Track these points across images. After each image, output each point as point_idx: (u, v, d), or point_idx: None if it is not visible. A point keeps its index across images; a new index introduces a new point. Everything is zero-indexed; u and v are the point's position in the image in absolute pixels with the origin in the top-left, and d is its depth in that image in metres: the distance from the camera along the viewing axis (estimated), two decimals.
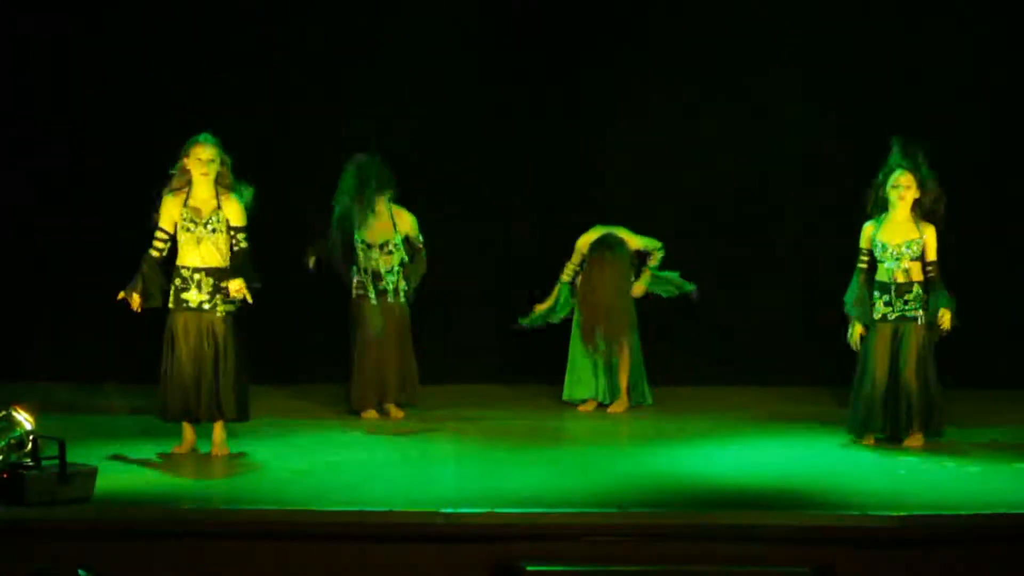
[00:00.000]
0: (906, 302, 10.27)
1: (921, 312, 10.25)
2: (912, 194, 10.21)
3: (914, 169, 10.23)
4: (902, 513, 8.50)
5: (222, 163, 9.92)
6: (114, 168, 11.90)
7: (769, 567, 8.31)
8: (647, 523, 8.45)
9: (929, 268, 10.25)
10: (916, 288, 10.27)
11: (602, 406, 11.71)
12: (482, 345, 12.48)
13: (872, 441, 10.36)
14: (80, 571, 7.48)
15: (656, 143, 12.33)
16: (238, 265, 9.90)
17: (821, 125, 12.22)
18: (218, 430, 10.03)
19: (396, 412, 11.36)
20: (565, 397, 11.75)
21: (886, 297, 10.27)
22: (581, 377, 11.73)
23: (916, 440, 10.30)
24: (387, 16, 12.36)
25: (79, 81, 12.17)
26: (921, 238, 10.23)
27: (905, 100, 12.13)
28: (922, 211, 10.27)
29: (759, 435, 10.69)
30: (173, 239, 9.96)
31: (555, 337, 11.88)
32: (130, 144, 11.63)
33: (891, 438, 10.34)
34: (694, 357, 12.31)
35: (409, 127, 12.21)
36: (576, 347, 11.73)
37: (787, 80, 12.32)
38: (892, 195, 10.23)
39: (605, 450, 10.31)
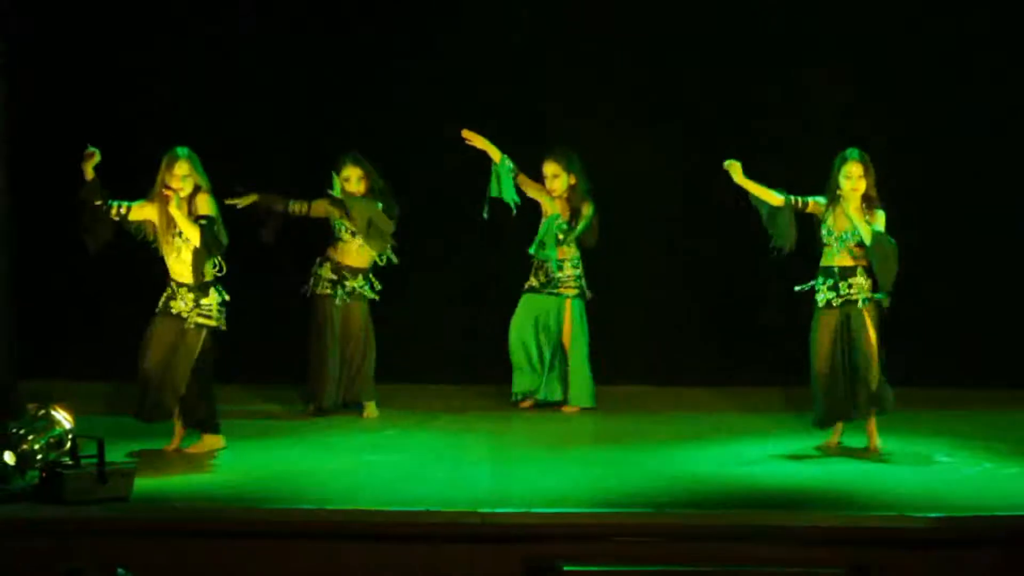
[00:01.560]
0: (850, 286, 10.22)
1: (866, 294, 10.21)
2: (863, 183, 10.19)
3: (864, 159, 10.20)
4: (939, 514, 8.49)
5: (197, 180, 10.03)
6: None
7: (804, 568, 8.29)
8: (682, 523, 8.46)
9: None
10: (860, 271, 10.22)
11: (544, 404, 11.68)
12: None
13: (836, 441, 10.33)
14: (119, 570, 7.53)
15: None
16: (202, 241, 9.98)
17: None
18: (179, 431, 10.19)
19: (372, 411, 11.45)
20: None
21: (830, 282, 10.24)
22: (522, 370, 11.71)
23: (872, 425, 10.30)
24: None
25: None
26: (868, 223, 10.18)
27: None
28: (868, 201, 10.23)
29: (792, 434, 10.65)
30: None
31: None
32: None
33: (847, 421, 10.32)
34: (723, 358, 12.29)
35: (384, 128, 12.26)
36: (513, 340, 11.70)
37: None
38: (845, 185, 10.21)
39: (640, 450, 10.29)
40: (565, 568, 8.15)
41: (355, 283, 11.39)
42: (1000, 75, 12.33)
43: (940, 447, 10.37)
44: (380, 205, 11.27)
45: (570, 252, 11.63)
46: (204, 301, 10.07)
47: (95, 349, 11.67)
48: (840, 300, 10.24)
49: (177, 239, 10.04)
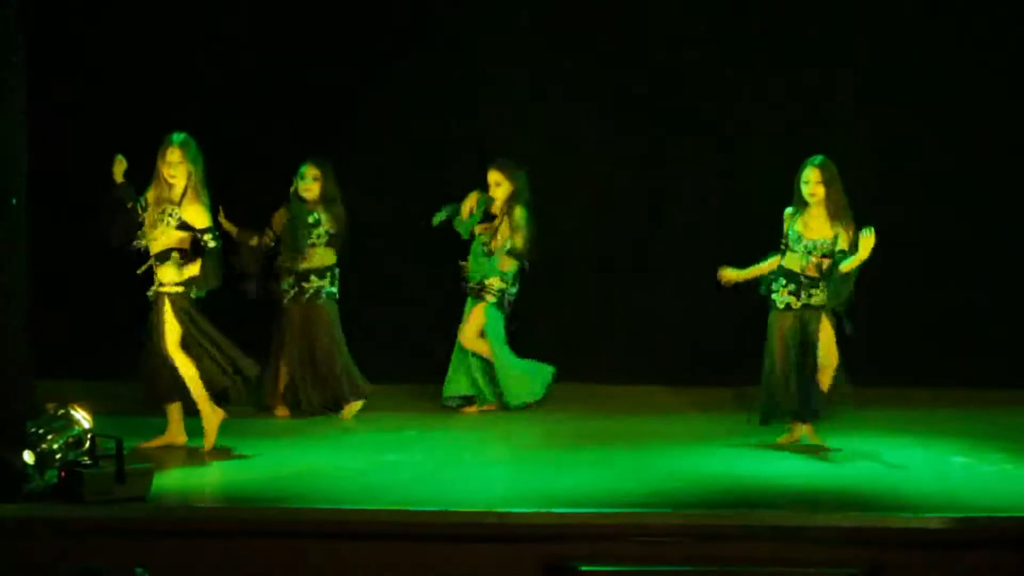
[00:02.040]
0: (811, 295, 10.24)
1: (825, 302, 10.22)
2: (821, 190, 10.18)
3: (823, 167, 10.19)
4: (955, 514, 8.49)
5: (189, 168, 10.05)
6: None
7: (820, 568, 8.29)
8: (700, 523, 8.46)
9: (838, 255, 10.16)
10: (822, 284, 10.22)
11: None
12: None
13: (797, 437, 10.38)
14: (137, 570, 7.54)
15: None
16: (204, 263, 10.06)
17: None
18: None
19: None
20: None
21: (792, 286, 10.26)
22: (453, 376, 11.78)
23: (807, 429, 10.35)
24: None
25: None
26: (834, 238, 10.19)
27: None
28: (834, 212, 10.22)
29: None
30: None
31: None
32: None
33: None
34: (737, 357, 12.28)
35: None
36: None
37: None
38: (804, 190, 10.23)
39: (657, 450, 10.29)
40: (582, 568, 8.17)
41: (317, 283, 11.44)
42: (1001, 75, 12.34)
43: (956, 448, 10.36)
44: (315, 216, 11.34)
45: (510, 265, 11.67)
46: (164, 268, 10.07)
47: (112, 348, 11.68)
48: (799, 304, 10.26)
49: (164, 220, 10.05)
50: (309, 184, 11.45)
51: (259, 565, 8.36)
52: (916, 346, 12.34)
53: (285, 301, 11.48)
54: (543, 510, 8.54)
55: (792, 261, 10.28)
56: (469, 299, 11.79)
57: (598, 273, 12.65)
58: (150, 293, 10.12)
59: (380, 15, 12.43)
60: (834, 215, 10.19)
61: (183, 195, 10.06)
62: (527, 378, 11.73)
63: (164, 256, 10.06)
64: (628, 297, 12.62)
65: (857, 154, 11.58)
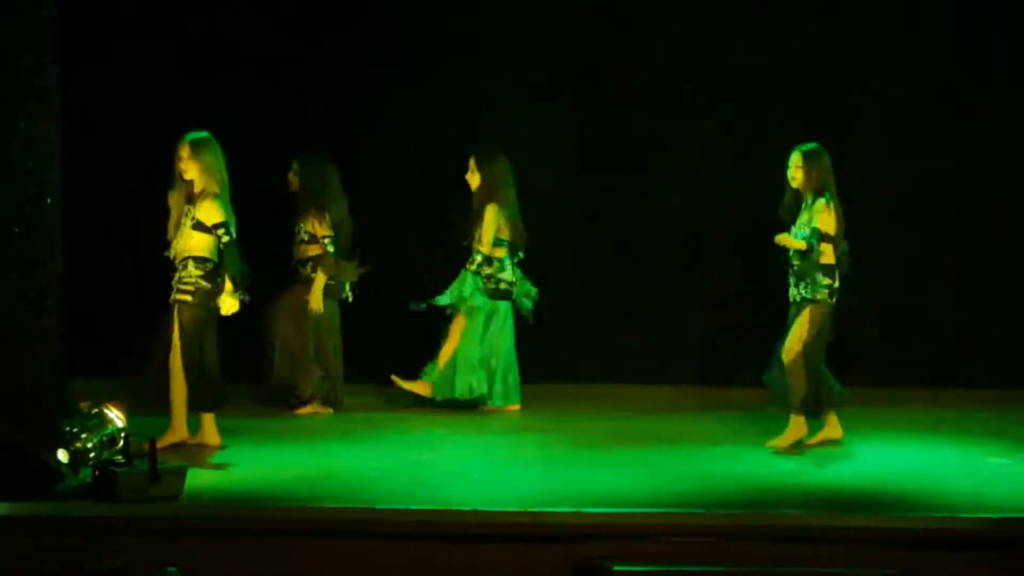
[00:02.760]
0: (806, 285, 10.23)
1: (813, 293, 10.20)
2: (800, 175, 10.20)
3: (805, 153, 10.21)
4: (990, 515, 8.46)
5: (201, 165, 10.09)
6: None
7: (855, 569, 8.25)
8: (732, 523, 8.44)
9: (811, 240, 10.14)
10: (814, 274, 10.19)
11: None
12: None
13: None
14: (169, 569, 7.56)
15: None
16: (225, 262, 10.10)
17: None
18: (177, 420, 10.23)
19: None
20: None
21: (792, 279, 10.30)
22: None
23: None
24: None
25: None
26: (809, 220, 10.19)
27: None
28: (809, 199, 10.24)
29: (845, 437, 10.58)
30: None
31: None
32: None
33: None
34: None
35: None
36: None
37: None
38: (787, 174, 10.28)
39: (689, 450, 10.29)
40: (615, 568, 8.14)
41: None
42: (1003, 74, 12.29)
43: (991, 448, 10.31)
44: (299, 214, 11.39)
45: (500, 252, 11.64)
46: (183, 275, 10.09)
47: (145, 347, 11.73)
48: (799, 297, 10.27)
49: (185, 222, 10.10)
50: (290, 179, 11.49)
51: (289, 564, 8.34)
52: (950, 348, 12.31)
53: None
54: (575, 510, 8.53)
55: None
56: None
57: (626, 272, 12.64)
58: (171, 301, 10.16)
59: (381, 15, 12.46)
60: (812, 202, 10.19)
61: (198, 194, 10.09)
62: (472, 376, 11.63)
63: (184, 263, 10.10)
64: (657, 297, 12.60)
65: (869, 150, 11.61)
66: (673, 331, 12.50)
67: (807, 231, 10.15)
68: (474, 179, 11.63)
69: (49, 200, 9.08)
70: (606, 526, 8.39)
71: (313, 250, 11.44)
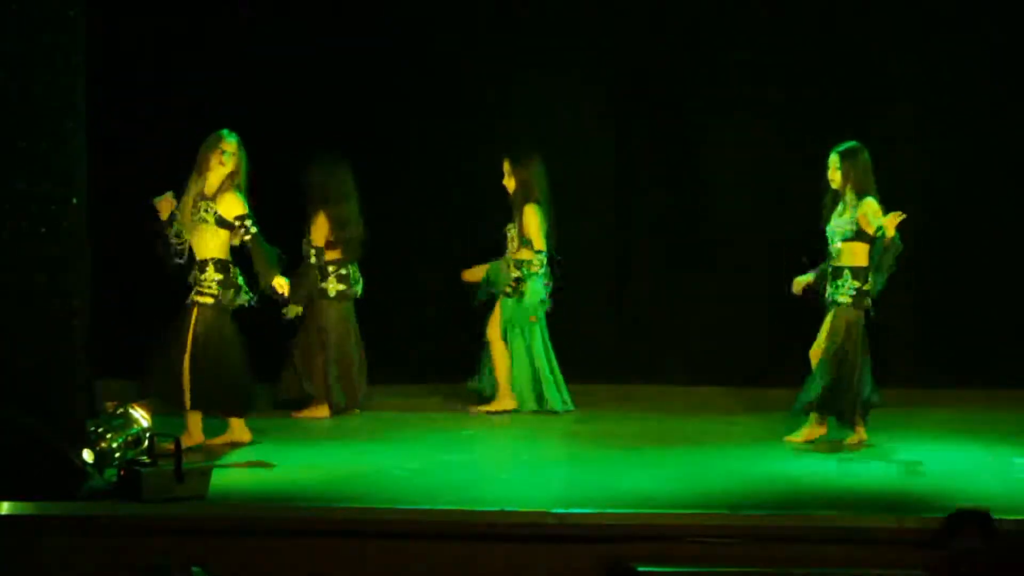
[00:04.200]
0: (837, 287, 10.21)
1: (850, 297, 10.18)
2: (838, 176, 10.20)
3: (843, 153, 10.20)
4: (1019, 517, 8.37)
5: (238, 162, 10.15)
6: None
7: (882, 570, 8.19)
8: (758, 524, 8.38)
9: (876, 234, 10.07)
10: (846, 273, 10.19)
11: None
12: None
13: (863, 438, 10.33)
14: (195, 569, 7.56)
15: None
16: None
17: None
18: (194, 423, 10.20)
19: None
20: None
21: (827, 279, 10.30)
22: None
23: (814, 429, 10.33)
24: None
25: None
26: (853, 218, 10.17)
27: None
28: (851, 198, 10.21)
29: (871, 436, 10.51)
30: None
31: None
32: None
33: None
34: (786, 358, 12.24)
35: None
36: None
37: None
38: (827, 175, 10.28)
39: (714, 451, 10.26)
40: (639, 569, 8.10)
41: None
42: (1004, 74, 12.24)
43: (1019, 449, 10.24)
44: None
45: (527, 254, 11.61)
46: (202, 277, 10.10)
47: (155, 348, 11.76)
48: (828, 299, 10.28)
49: (200, 217, 10.11)
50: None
51: (315, 565, 8.33)
52: (985, 348, 12.26)
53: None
54: (601, 511, 8.50)
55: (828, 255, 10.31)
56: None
57: (649, 273, 12.62)
58: (189, 302, 10.18)
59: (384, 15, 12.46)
60: (854, 200, 10.17)
61: (218, 189, 10.09)
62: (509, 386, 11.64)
63: (203, 265, 10.09)
64: (681, 298, 12.59)
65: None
66: (692, 332, 12.47)
67: (852, 229, 10.10)
68: (510, 183, 11.63)
69: (75, 200, 9.09)
70: (632, 527, 8.32)
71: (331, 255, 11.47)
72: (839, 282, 10.20)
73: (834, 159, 10.21)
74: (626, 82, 12.51)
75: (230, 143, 10.11)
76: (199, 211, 10.12)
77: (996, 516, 8.35)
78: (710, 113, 12.52)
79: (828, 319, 10.23)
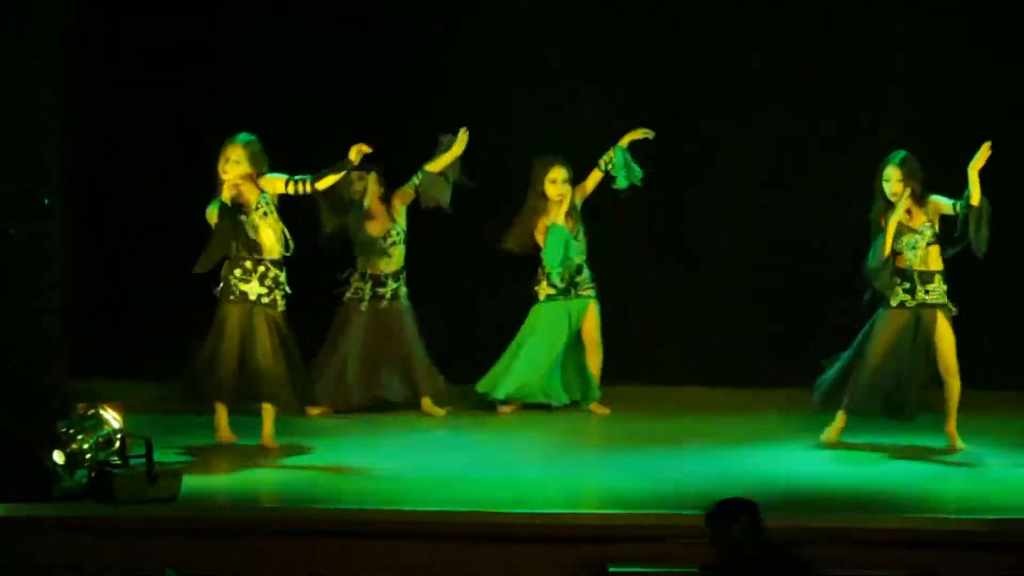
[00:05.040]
0: (927, 292, 10.18)
1: (945, 299, 10.20)
2: (900, 187, 10.17)
3: (902, 164, 10.17)
4: (994, 516, 8.37)
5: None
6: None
7: (864, 571, 8.14)
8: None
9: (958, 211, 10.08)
10: (937, 278, 10.20)
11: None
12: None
13: (835, 438, 10.28)
14: (168, 572, 7.52)
15: None
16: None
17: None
18: (268, 421, 10.15)
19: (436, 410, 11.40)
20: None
21: (907, 284, 10.20)
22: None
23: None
24: None
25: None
26: (929, 220, 10.20)
27: None
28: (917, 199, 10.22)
29: (851, 435, 10.40)
30: None
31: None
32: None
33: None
34: (780, 358, 12.16)
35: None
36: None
37: None
38: (886, 189, 10.22)
39: (693, 451, 10.19)
40: (612, 570, 8.07)
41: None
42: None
43: None
44: None
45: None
46: (269, 276, 10.06)
47: (144, 348, 11.74)
48: (914, 303, 10.19)
49: (262, 213, 10.06)
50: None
51: (290, 566, 8.29)
52: (985, 348, 12.17)
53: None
54: (576, 511, 8.50)
55: (901, 259, 10.23)
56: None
57: (654, 272, 12.56)
58: (281, 307, 10.12)
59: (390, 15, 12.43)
60: (921, 202, 10.19)
61: (258, 181, 10.06)
62: (513, 376, 11.51)
63: (266, 265, 10.06)
64: (681, 297, 12.51)
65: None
66: (693, 331, 12.41)
67: (933, 232, 10.18)
68: (567, 188, 11.58)
69: (47, 201, 9.06)
70: (607, 527, 8.28)
71: None
72: (931, 287, 10.18)
73: (895, 172, 10.18)
74: (627, 82, 12.44)
75: (226, 150, 10.04)
76: (258, 210, 10.06)
77: (974, 516, 8.37)
78: (710, 113, 12.44)
79: (927, 321, 10.15)
